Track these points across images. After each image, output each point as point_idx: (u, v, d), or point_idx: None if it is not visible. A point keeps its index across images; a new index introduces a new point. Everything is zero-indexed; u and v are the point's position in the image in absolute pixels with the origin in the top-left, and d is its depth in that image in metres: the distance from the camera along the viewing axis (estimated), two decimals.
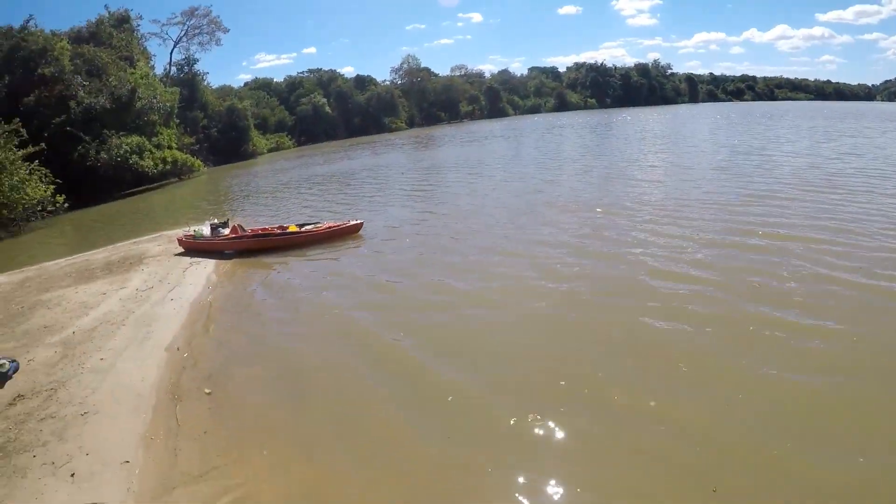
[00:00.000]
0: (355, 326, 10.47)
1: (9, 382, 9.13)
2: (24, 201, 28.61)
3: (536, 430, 6.63)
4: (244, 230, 17.94)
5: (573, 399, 7.17)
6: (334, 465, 6.55)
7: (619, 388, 7.32)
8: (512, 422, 6.80)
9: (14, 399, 8.60)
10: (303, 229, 17.34)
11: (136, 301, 13.19)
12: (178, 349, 10.27)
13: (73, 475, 6.59)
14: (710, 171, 24.55)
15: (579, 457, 6.18)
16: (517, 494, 5.69)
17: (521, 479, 5.90)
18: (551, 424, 6.66)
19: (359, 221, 17.80)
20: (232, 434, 7.38)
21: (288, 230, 17.44)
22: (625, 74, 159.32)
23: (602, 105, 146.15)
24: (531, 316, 10.09)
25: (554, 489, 5.71)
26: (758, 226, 14.41)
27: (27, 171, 29.67)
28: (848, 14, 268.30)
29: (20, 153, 29.68)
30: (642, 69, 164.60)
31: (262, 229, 18.38)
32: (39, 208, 30.30)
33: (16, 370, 9.47)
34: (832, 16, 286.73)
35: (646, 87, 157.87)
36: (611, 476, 5.84)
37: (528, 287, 11.45)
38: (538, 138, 54.98)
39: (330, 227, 17.33)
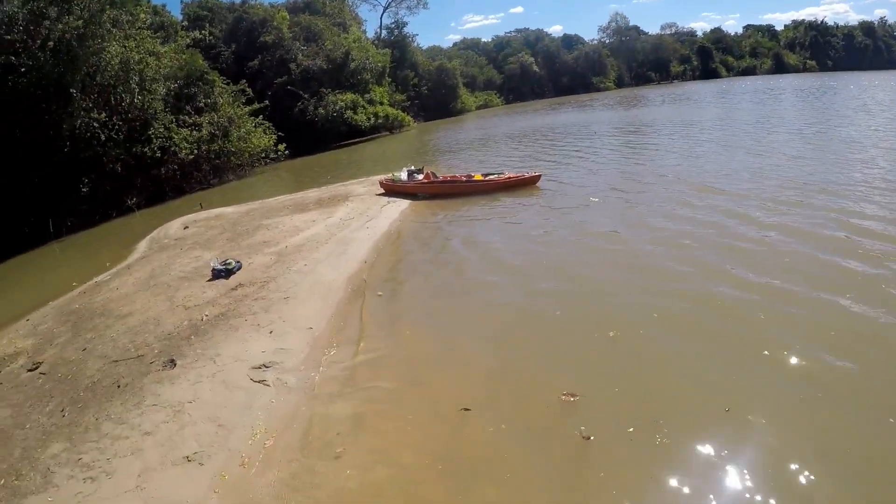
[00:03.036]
0: (505, 263, 11.80)
1: (234, 276, 11.92)
2: (249, 149, 33.42)
3: None
4: (436, 176, 20.02)
5: None
6: (455, 348, 8.36)
7: None
8: None
9: (236, 286, 11.31)
10: (486, 178, 18.87)
11: (338, 227, 15.68)
12: (364, 262, 12.52)
13: (271, 332, 8.93)
14: None
15: None
16: None
17: None
18: None
19: (537, 174, 18.93)
20: (388, 319, 9.54)
21: (473, 178, 19.12)
22: (847, 34, 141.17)
23: (823, 67, 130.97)
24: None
25: None
26: None
27: (253, 125, 34.75)
28: None
29: (247, 109, 35.07)
30: (867, 28, 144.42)
31: (451, 177, 20.39)
32: (263, 156, 35.06)
33: (239, 268, 12.25)
34: None
35: (871, 49, 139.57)
36: None
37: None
38: (754, 105, 50.98)
39: (510, 178, 18.65)
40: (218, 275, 11.92)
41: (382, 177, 21.76)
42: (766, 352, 7.07)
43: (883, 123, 27.67)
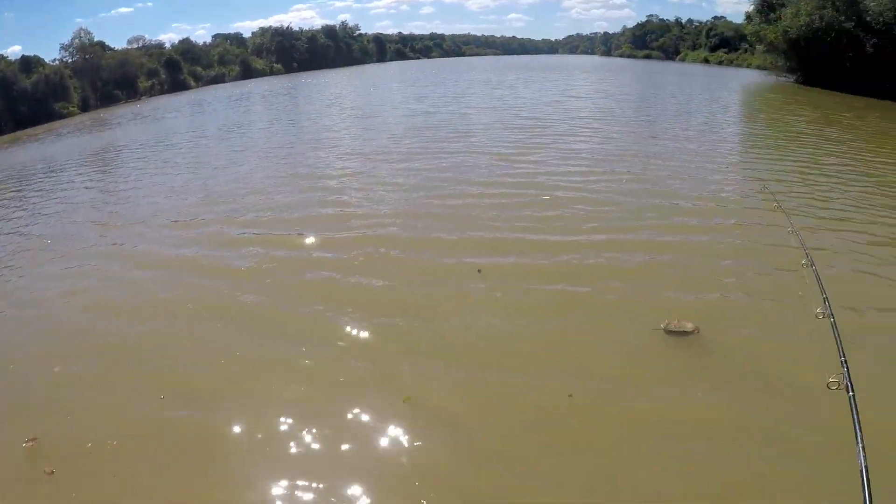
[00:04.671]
0: None
1: None
2: None
3: None
4: None
5: None
6: None
7: None
8: None
9: None
10: None
11: None
12: None
13: None
14: None
15: None
16: None
17: None
18: None
19: None
20: None
21: None
22: (311, 38, 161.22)
23: (289, 70, 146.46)
24: None
25: None
26: None
27: None
28: None
29: None
30: (329, 31, 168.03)
31: None
32: None
33: None
34: None
35: (332, 49, 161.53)
36: None
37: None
38: (214, 117, 53.16)
39: None
40: None
41: None
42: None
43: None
